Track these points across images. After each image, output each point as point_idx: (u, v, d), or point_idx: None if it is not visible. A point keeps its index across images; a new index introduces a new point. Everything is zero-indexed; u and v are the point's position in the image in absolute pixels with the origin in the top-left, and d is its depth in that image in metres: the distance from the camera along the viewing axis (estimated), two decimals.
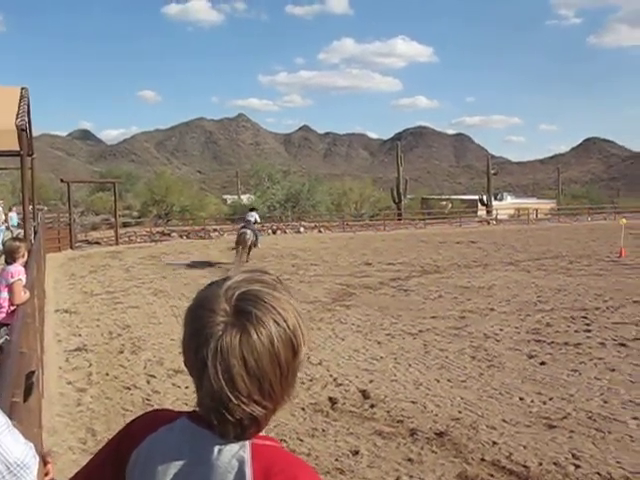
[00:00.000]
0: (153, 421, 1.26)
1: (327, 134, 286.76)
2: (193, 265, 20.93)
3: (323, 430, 6.28)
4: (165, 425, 1.23)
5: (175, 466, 1.17)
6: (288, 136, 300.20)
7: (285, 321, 1.13)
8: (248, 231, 21.14)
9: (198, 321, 1.14)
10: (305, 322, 1.18)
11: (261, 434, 1.18)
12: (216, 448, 1.15)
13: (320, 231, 38.52)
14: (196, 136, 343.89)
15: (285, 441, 5.93)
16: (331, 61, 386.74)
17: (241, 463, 1.12)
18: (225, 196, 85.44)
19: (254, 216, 22.25)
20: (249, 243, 21.13)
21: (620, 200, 73.18)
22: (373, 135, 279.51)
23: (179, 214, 46.16)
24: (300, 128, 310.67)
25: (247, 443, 1.15)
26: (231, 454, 1.14)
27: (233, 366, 1.09)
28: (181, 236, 33.97)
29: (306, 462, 1.20)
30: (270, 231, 36.93)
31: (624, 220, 25.64)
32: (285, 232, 37.56)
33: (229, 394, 1.09)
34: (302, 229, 38.67)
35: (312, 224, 41.02)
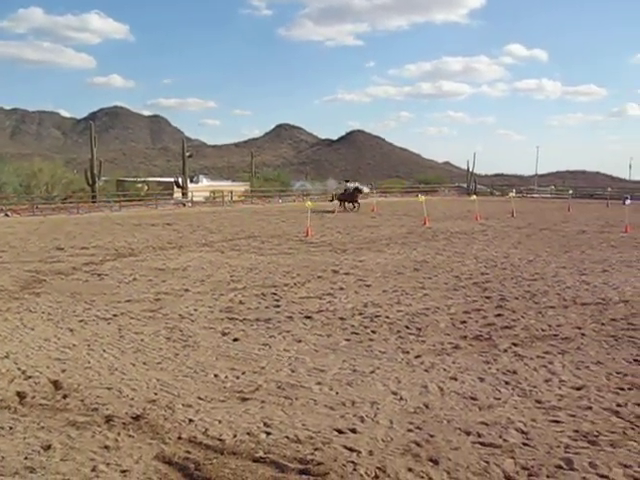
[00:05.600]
0: None
1: (14, 110, 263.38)
2: None
3: (10, 428, 5.87)
4: None
5: None
6: None
7: None
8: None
9: None
10: None
11: None
12: None
13: (7, 215, 35.99)
14: None
15: None
16: (16, 31, 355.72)
17: None
18: None
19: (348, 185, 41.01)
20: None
21: (308, 183, 77.87)
22: (66, 114, 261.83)
23: None
24: None
25: None
26: None
27: None
28: None
29: None
30: None
31: (310, 203, 27.56)
32: None
33: None
34: None
35: None
